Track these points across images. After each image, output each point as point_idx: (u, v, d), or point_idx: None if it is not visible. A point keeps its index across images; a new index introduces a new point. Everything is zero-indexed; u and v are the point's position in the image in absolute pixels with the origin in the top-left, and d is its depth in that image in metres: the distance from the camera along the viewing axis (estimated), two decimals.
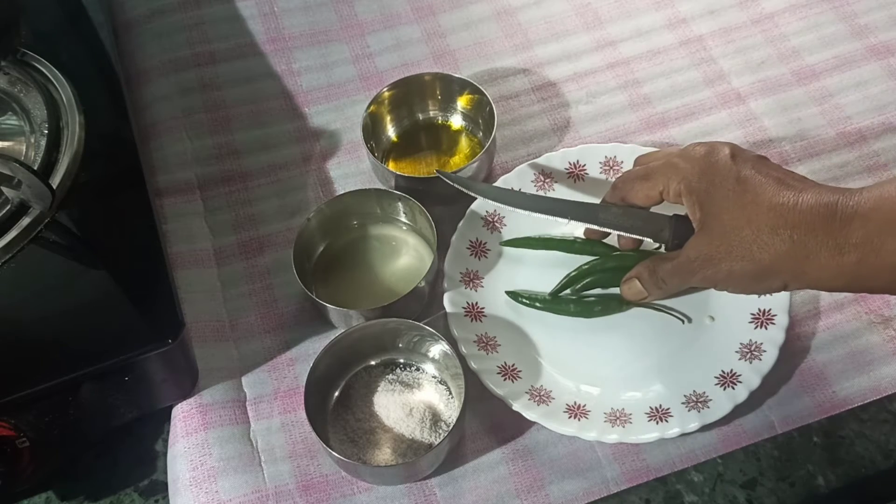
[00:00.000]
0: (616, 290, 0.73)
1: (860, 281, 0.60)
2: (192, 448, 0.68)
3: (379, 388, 0.71)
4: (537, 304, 0.73)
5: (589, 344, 0.72)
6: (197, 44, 0.91)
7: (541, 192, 0.78)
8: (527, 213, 0.71)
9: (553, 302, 0.74)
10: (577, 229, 0.77)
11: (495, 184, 0.78)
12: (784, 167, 0.65)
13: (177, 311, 0.67)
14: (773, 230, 0.60)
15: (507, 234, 0.77)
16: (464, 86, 0.82)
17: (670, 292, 0.69)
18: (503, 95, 0.87)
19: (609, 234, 0.73)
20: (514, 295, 0.74)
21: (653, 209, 0.69)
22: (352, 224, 0.78)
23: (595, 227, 0.70)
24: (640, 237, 0.69)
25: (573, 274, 0.74)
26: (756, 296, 0.71)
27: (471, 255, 0.76)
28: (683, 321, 0.72)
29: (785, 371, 0.70)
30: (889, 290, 0.61)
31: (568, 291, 0.74)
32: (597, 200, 0.78)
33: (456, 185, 0.74)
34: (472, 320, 0.73)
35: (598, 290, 0.74)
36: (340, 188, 0.82)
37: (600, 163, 0.78)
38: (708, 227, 0.63)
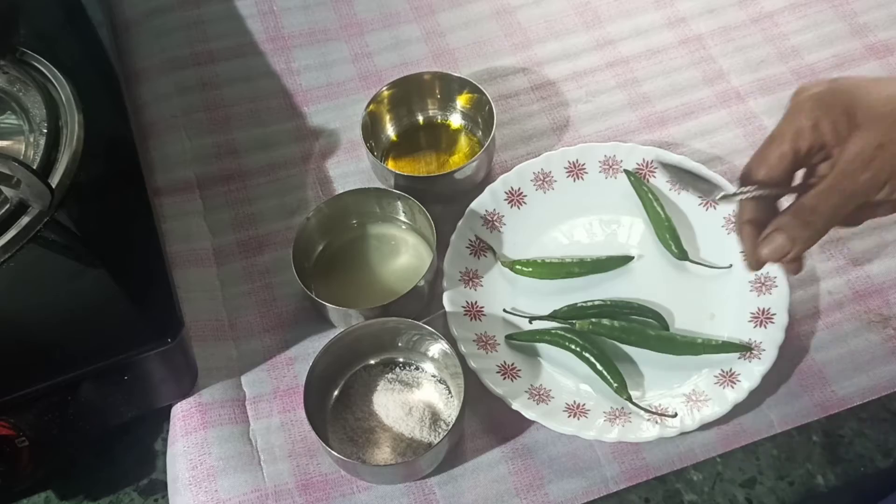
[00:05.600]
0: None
1: None
2: (191, 447, 0.68)
3: (378, 388, 0.71)
4: (543, 338, 0.72)
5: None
6: (196, 42, 0.91)
7: (540, 192, 0.78)
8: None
9: (553, 335, 0.72)
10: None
11: (495, 183, 0.78)
12: None
13: (176, 310, 0.67)
14: None
15: (507, 233, 0.77)
16: (463, 85, 0.82)
17: (826, 223, 0.60)
18: (502, 94, 0.87)
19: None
20: (512, 336, 0.72)
21: None
22: (351, 223, 0.78)
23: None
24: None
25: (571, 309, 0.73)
26: (756, 295, 0.71)
27: (470, 254, 0.76)
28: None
29: (784, 370, 0.70)
30: None
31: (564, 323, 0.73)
32: (596, 199, 0.78)
33: None
34: (471, 319, 0.73)
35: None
36: (340, 187, 0.82)
37: (600, 162, 0.78)
38: (864, 124, 0.58)
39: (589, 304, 0.73)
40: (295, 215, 0.80)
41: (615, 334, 0.71)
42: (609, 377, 0.69)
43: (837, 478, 0.67)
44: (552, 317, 0.73)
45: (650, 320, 0.72)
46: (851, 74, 0.62)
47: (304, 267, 0.75)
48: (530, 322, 0.73)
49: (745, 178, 0.64)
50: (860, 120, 0.59)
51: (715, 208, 0.75)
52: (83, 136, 0.73)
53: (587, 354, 0.70)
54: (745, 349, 0.69)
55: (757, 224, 0.64)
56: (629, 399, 0.68)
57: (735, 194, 0.64)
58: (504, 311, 0.74)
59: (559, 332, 0.71)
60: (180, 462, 0.68)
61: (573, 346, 0.71)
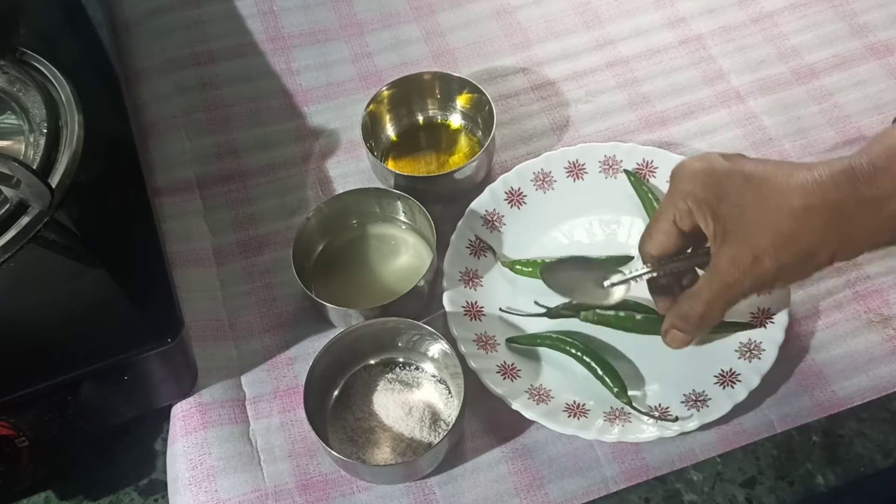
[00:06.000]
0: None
1: None
2: (191, 447, 0.68)
3: (378, 388, 0.71)
4: (544, 342, 0.72)
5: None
6: (196, 42, 0.91)
7: (540, 192, 0.78)
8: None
9: (554, 339, 0.72)
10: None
11: (495, 183, 0.78)
12: None
13: (176, 310, 0.67)
14: (807, 210, 0.59)
15: (507, 233, 0.77)
16: (463, 85, 0.82)
17: (717, 320, 0.66)
18: (502, 94, 0.87)
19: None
20: (513, 339, 0.72)
21: None
22: (351, 223, 0.78)
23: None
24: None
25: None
26: (756, 295, 0.71)
27: (470, 254, 0.76)
28: None
29: (784, 370, 0.70)
30: None
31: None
32: (597, 199, 0.78)
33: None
34: (471, 319, 0.73)
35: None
36: (340, 187, 0.82)
37: (600, 162, 0.78)
38: (735, 233, 0.61)
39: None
40: (295, 215, 0.80)
41: (621, 323, 0.71)
42: (609, 382, 0.69)
43: (837, 478, 0.67)
44: (548, 313, 0.72)
45: None
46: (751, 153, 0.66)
47: (304, 267, 0.75)
48: (534, 316, 0.73)
49: (641, 252, 0.67)
50: (730, 227, 0.61)
51: None
52: (83, 136, 0.73)
53: (587, 359, 0.70)
54: (748, 327, 0.69)
55: (662, 293, 0.69)
56: (629, 403, 0.68)
57: (623, 281, 0.68)
58: (500, 309, 0.74)
59: (560, 336, 0.71)
60: (180, 462, 0.68)
61: (573, 351, 0.70)
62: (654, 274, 0.67)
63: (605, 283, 0.68)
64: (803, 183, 0.59)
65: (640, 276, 0.67)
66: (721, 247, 0.62)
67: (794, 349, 0.71)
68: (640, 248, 0.67)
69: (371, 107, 0.81)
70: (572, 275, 0.70)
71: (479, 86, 0.81)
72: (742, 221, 0.61)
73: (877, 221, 0.59)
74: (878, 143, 0.60)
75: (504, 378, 0.70)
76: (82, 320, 0.66)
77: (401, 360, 0.72)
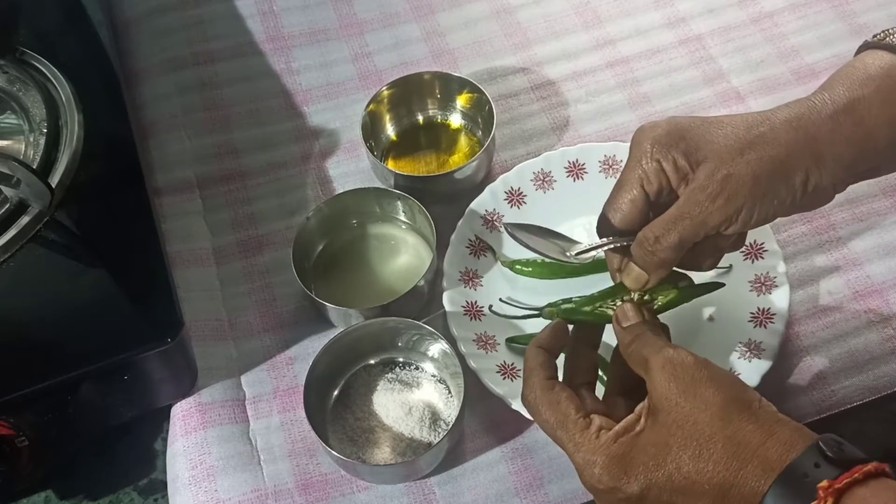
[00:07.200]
0: None
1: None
2: (191, 447, 0.68)
3: (378, 387, 0.71)
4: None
5: None
6: (196, 42, 0.91)
7: (540, 192, 0.78)
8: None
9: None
10: (578, 250, 0.76)
11: (495, 183, 0.78)
12: None
13: (176, 310, 0.67)
14: (785, 122, 0.58)
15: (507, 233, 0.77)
16: (463, 84, 0.82)
17: (673, 247, 0.59)
18: (502, 94, 0.87)
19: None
20: (513, 339, 0.72)
21: None
22: (351, 223, 0.78)
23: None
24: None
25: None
26: (756, 295, 0.71)
27: (470, 253, 0.76)
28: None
29: (783, 370, 0.70)
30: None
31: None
32: (597, 199, 0.77)
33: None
34: (471, 319, 0.73)
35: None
36: (340, 187, 0.82)
37: (599, 162, 0.78)
38: (706, 154, 0.58)
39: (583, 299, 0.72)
40: (295, 215, 0.80)
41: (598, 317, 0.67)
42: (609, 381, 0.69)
43: None
44: (541, 313, 0.72)
45: None
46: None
47: (304, 267, 0.75)
48: (528, 317, 0.73)
49: (601, 229, 0.62)
50: (703, 154, 0.58)
51: None
52: (83, 136, 0.73)
53: None
54: (716, 287, 0.66)
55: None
56: None
57: (589, 249, 0.63)
58: (500, 300, 0.73)
59: None
60: (180, 462, 0.68)
61: None
62: (621, 244, 0.61)
63: (569, 253, 0.64)
64: (774, 110, 0.59)
65: (604, 246, 0.62)
66: (695, 173, 0.58)
67: (793, 349, 0.71)
68: (603, 222, 0.62)
69: (371, 107, 0.81)
70: (538, 238, 0.66)
71: (479, 86, 0.81)
72: (713, 147, 0.58)
73: (841, 137, 0.57)
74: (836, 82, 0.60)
75: (504, 378, 0.70)
76: (82, 320, 0.67)
77: (401, 359, 0.72)
